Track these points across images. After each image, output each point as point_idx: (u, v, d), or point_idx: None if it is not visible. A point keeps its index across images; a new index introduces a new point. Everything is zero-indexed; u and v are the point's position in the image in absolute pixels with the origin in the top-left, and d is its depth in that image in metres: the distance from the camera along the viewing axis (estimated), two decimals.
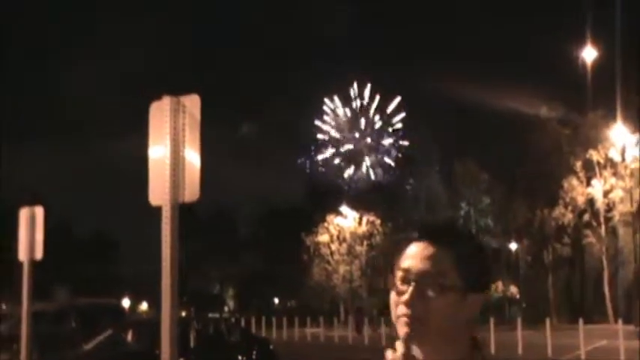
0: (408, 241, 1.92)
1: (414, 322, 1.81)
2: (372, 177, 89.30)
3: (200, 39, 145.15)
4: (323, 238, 69.89)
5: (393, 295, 1.87)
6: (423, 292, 1.82)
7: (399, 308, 1.84)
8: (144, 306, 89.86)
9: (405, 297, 1.82)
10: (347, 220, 69.65)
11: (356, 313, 58.54)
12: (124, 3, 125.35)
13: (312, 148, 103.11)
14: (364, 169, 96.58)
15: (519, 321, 31.97)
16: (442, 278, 1.83)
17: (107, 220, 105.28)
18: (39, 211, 12.06)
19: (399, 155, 79.31)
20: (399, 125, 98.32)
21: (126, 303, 68.13)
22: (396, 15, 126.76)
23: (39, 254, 11.85)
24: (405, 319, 1.82)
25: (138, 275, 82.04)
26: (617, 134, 52.07)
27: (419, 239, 1.91)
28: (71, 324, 23.54)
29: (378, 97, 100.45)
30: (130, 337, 17.32)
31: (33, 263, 11.83)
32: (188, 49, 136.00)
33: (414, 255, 1.88)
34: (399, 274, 1.87)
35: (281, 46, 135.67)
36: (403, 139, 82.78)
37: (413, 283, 1.83)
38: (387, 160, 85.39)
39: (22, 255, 11.86)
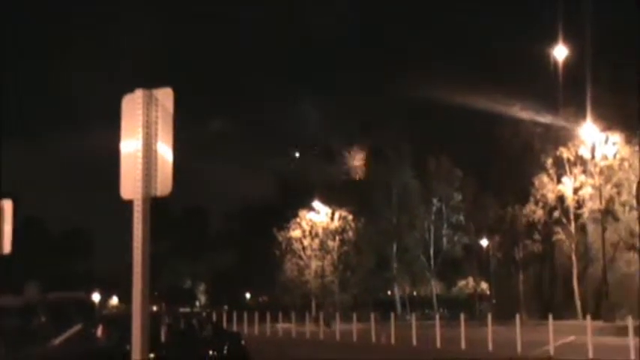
0: None
1: None
2: (344, 172, 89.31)
3: (180, 34, 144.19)
4: (295, 233, 69.89)
5: None
6: None
7: None
8: (114, 300, 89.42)
9: None
10: (319, 216, 69.67)
11: (317, 309, 58.66)
12: None
13: (285, 144, 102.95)
14: (336, 164, 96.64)
15: (489, 317, 32.14)
16: None
17: (81, 216, 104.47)
18: (7, 205, 11.95)
19: (372, 151, 79.36)
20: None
21: (96, 297, 67.74)
22: (372, 13, 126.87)
23: (7, 248, 11.74)
24: None
25: (110, 270, 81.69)
26: (587, 132, 52.52)
27: None
28: (40, 318, 23.34)
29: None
30: (99, 332, 17.20)
31: (1, 257, 11.72)
32: (169, 45, 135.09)
33: None
34: None
35: (259, 43, 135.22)
36: (376, 135, 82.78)
37: None
38: (358, 155, 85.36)
39: None
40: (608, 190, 52.74)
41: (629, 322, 26.62)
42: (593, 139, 52.34)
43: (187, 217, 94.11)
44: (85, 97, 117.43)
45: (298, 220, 70.12)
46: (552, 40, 55.81)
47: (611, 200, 53.12)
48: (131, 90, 6.73)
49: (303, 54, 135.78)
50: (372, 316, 39.57)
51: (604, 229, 51.25)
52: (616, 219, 53.42)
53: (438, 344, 32.38)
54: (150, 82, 6.76)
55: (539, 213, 58.43)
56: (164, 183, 6.56)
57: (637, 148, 52.57)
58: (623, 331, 28.76)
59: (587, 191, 53.94)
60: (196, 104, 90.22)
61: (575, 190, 55.08)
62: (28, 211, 77.73)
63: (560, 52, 55.36)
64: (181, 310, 79.70)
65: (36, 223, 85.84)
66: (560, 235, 57.16)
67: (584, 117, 52.36)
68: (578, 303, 54.46)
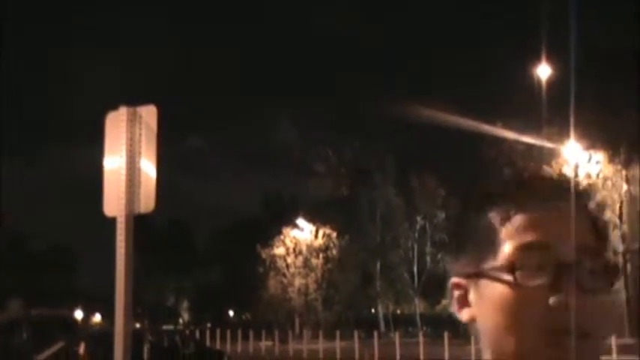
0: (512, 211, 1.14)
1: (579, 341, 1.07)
2: (328, 190, 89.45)
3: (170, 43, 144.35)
4: (279, 250, 69.71)
5: (516, 298, 1.13)
6: (582, 285, 1.07)
7: (545, 318, 1.10)
8: (97, 317, 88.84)
9: (556, 299, 1.08)
10: (303, 233, 69.57)
11: (280, 326, 58.36)
12: None
13: (270, 161, 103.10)
14: (320, 182, 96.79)
15: (473, 336, 32.12)
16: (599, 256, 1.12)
17: (63, 233, 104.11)
18: None
19: (355, 168, 79.48)
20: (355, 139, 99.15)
21: (79, 315, 67.25)
22: (360, 32, 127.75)
23: None
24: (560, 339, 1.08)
25: (92, 287, 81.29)
26: (570, 151, 52.76)
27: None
28: (22, 335, 23.20)
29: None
30: (82, 349, 17.13)
31: None
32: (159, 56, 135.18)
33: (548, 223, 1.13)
34: (521, 257, 1.12)
35: (244, 61, 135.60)
36: (359, 152, 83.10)
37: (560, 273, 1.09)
38: (342, 172, 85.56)
39: None
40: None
41: (612, 342, 26.67)
42: (577, 157, 52.60)
43: (171, 233, 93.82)
44: (73, 113, 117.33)
45: (282, 237, 69.98)
46: (536, 59, 56.16)
47: None
48: (117, 104, 6.75)
49: (287, 76, 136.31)
50: (356, 333, 39.51)
51: None
52: None
53: None
54: (136, 99, 6.78)
55: None
56: (147, 200, 6.57)
57: (620, 167, 52.85)
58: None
59: None
60: (181, 121, 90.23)
61: None
62: (12, 226, 77.37)
63: (543, 70, 55.68)
64: (164, 327, 79.37)
65: (19, 237, 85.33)
66: None
67: (567, 135, 52.61)
68: None
